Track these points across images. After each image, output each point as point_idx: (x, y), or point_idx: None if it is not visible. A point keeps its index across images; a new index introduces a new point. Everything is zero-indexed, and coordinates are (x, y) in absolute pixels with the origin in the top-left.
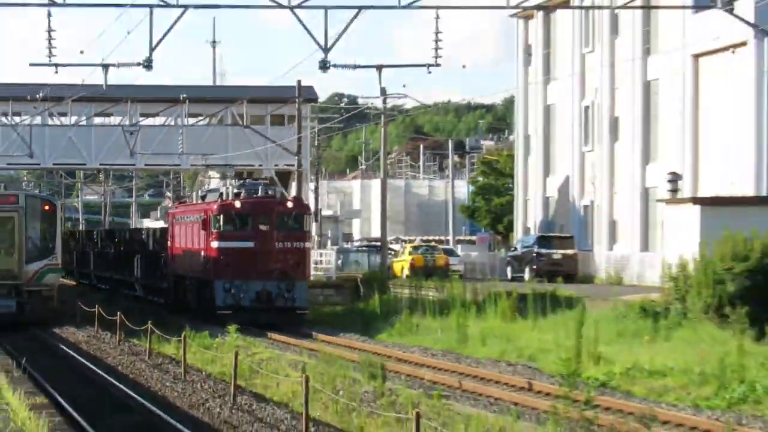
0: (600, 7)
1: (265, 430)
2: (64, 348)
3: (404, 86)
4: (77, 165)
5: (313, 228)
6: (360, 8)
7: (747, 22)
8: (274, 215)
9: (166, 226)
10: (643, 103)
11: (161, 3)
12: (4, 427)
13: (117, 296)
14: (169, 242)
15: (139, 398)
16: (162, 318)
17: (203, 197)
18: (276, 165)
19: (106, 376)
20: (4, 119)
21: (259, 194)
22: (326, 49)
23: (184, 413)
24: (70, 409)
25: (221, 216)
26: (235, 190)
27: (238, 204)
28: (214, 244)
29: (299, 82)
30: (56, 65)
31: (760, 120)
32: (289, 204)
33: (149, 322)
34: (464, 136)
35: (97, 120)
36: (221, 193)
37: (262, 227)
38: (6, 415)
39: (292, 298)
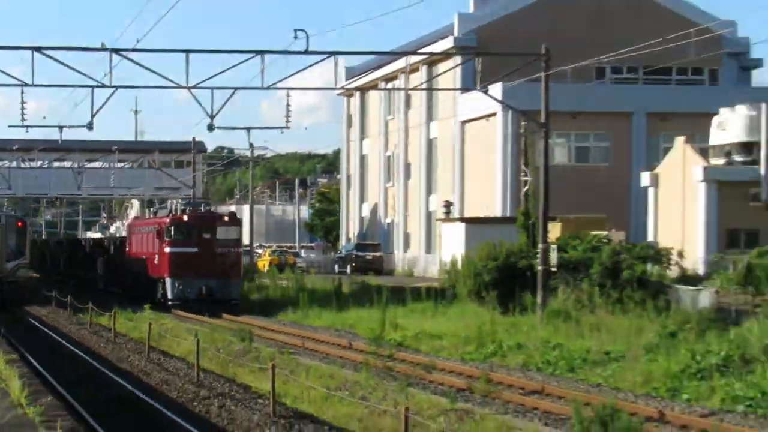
0: (397, 89)
1: (169, 376)
2: (32, 320)
3: (266, 141)
4: (41, 194)
5: None
6: (235, 89)
7: (496, 100)
8: (214, 226)
9: (122, 235)
10: (427, 154)
11: (99, 84)
12: None
13: (82, 289)
14: (127, 248)
15: (83, 355)
16: (104, 302)
17: (155, 213)
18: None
19: (59, 339)
20: None
21: (202, 210)
22: (212, 116)
23: (113, 364)
24: (34, 362)
25: (173, 227)
26: (182, 207)
27: (185, 217)
28: (167, 249)
29: (194, 138)
30: (27, 126)
31: (504, 166)
32: (226, 218)
33: (89, 302)
34: (306, 176)
35: (56, 164)
36: (170, 210)
37: (205, 236)
38: None
39: (229, 292)
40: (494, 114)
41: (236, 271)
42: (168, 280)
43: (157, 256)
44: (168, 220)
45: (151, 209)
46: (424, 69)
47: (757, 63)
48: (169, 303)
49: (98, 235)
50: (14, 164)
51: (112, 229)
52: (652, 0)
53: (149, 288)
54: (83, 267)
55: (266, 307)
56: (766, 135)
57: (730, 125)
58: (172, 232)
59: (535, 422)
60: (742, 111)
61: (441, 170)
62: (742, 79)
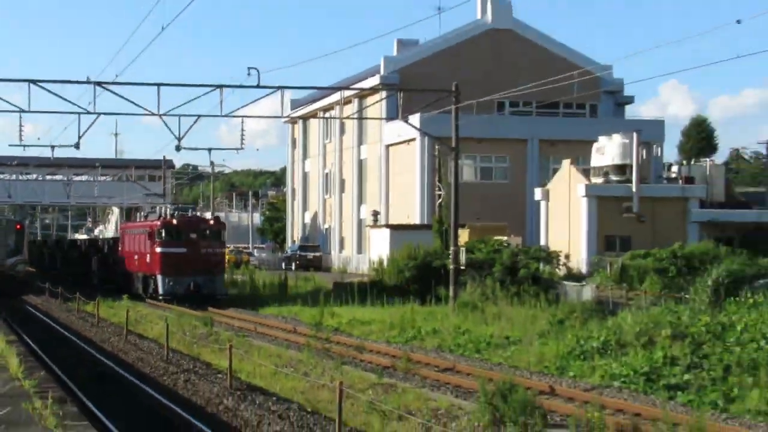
0: (333, 118)
1: (143, 354)
2: (28, 308)
3: (224, 160)
4: (36, 202)
5: None
6: (198, 116)
7: (415, 128)
8: (200, 229)
9: (114, 236)
10: (358, 172)
11: (85, 111)
12: None
13: (78, 284)
14: (120, 248)
15: (71, 336)
16: (96, 295)
17: (146, 217)
18: (151, 204)
19: (51, 323)
20: None
21: (189, 215)
22: (179, 138)
23: (96, 345)
24: (30, 342)
25: (163, 229)
26: (170, 212)
27: (174, 221)
28: (158, 249)
29: (164, 157)
30: (24, 146)
31: (422, 182)
32: (211, 221)
33: (77, 292)
34: (258, 189)
35: (48, 177)
36: (160, 214)
37: (192, 237)
38: None
39: (214, 287)
40: (413, 139)
41: (220, 269)
42: (159, 278)
43: (148, 255)
44: (159, 223)
45: (141, 213)
46: (355, 101)
47: (629, 100)
48: (160, 298)
49: (85, 237)
50: (13, 177)
51: (96, 231)
52: (543, 47)
53: (141, 283)
54: (79, 264)
55: (240, 300)
56: (636, 158)
57: (607, 150)
58: (163, 234)
59: (448, 395)
60: (617, 139)
61: (369, 185)
62: (617, 113)
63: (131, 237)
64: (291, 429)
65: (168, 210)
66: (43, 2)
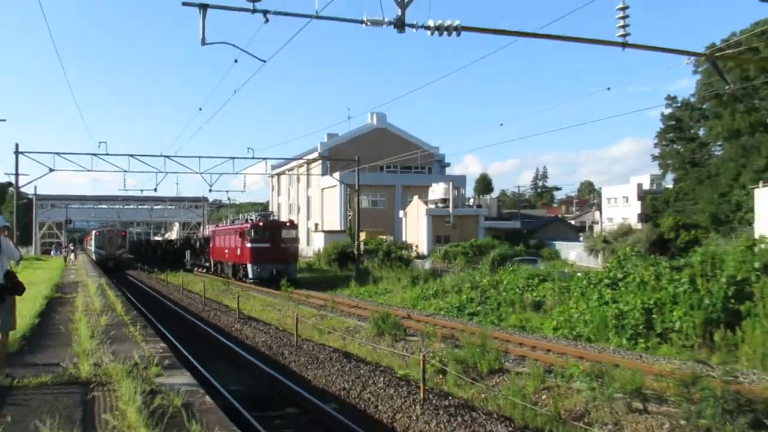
0: (293, 174)
1: (191, 301)
2: (129, 277)
3: (234, 197)
4: (132, 220)
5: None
6: (221, 174)
7: (337, 179)
8: (280, 229)
9: (206, 235)
10: (307, 203)
11: (159, 171)
12: (106, 302)
13: (174, 268)
14: (212, 244)
15: (150, 291)
16: (169, 269)
17: (233, 221)
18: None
19: (143, 286)
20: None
21: (270, 219)
22: (210, 185)
23: (165, 295)
24: (131, 297)
25: (252, 230)
26: (257, 217)
27: (261, 223)
28: (248, 244)
29: (203, 195)
30: (126, 190)
31: (340, 208)
32: (288, 223)
33: (166, 269)
34: (253, 212)
35: (138, 206)
36: (246, 219)
37: (273, 235)
38: (108, 299)
39: (290, 272)
40: (336, 185)
41: (294, 258)
42: (249, 266)
43: (239, 249)
44: (250, 225)
45: (230, 219)
46: (306, 166)
47: (448, 164)
48: (249, 281)
49: (159, 239)
50: (120, 207)
51: (167, 235)
52: (403, 137)
53: (231, 270)
54: (175, 256)
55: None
56: (451, 195)
57: (436, 191)
58: (252, 233)
59: (354, 320)
60: (441, 185)
61: (313, 209)
62: (442, 172)
63: (221, 237)
64: (270, 338)
65: (255, 216)
66: (130, 106)
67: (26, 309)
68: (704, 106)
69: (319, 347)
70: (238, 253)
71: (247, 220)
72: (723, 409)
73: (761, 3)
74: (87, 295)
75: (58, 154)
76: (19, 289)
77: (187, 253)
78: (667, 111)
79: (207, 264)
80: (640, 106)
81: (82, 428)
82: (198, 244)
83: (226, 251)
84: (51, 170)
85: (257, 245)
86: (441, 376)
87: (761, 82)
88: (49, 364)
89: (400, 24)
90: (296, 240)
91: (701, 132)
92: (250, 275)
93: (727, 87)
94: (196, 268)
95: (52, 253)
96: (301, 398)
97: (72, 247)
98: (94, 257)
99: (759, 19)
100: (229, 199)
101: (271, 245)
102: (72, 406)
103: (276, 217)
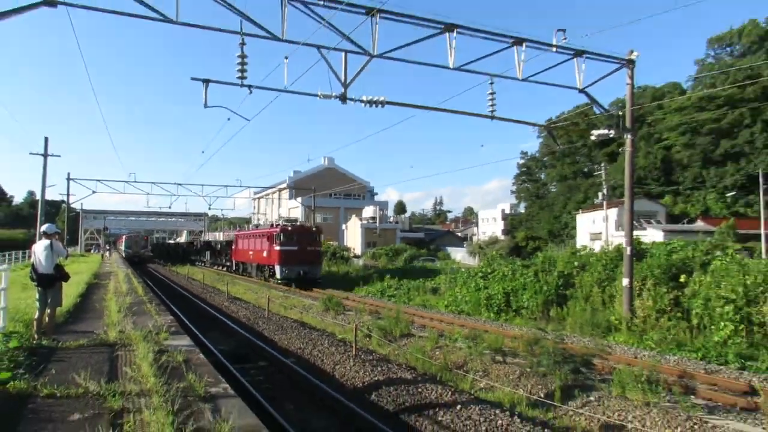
0: (270, 198)
1: (192, 286)
2: (150, 269)
3: (226, 213)
4: (152, 228)
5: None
6: (217, 197)
7: (300, 203)
8: (305, 233)
9: (227, 239)
10: (279, 219)
11: (173, 194)
12: (130, 287)
13: (191, 264)
14: (234, 246)
15: (164, 278)
16: (182, 263)
17: (256, 226)
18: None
19: (164, 278)
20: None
21: (296, 224)
22: (209, 206)
23: (175, 281)
24: (152, 285)
25: (281, 234)
26: (284, 222)
27: (289, 228)
28: (276, 248)
29: (205, 212)
30: (149, 207)
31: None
32: (313, 228)
33: (187, 265)
34: (239, 225)
35: (159, 219)
36: (272, 224)
37: (300, 239)
38: (132, 285)
39: (315, 274)
40: (299, 207)
41: (319, 261)
42: (277, 267)
43: (265, 251)
44: (278, 229)
45: (251, 224)
46: (278, 193)
47: (376, 194)
48: (278, 281)
49: (172, 242)
50: (144, 219)
51: (178, 240)
52: (345, 174)
53: (256, 270)
54: (195, 255)
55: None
56: (378, 215)
57: (368, 211)
58: (281, 237)
59: (309, 300)
60: (371, 207)
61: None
62: (372, 198)
63: (243, 240)
64: (249, 312)
65: (281, 221)
66: (152, 144)
67: (72, 292)
68: (545, 159)
69: (283, 319)
70: (265, 255)
71: (272, 225)
72: (554, 360)
73: (579, 94)
74: (117, 281)
75: (99, 180)
76: (65, 277)
77: (207, 254)
78: (521, 161)
79: (228, 264)
80: (504, 158)
81: (108, 377)
82: (219, 246)
83: (251, 253)
84: (93, 192)
85: (285, 248)
86: (368, 339)
87: (580, 145)
88: (86, 331)
89: (343, 98)
90: (320, 244)
91: (542, 176)
92: (278, 276)
93: (558, 147)
94: (216, 267)
95: (92, 251)
96: (270, 355)
97: (107, 247)
98: (123, 255)
99: (578, 104)
100: (222, 215)
101: (298, 248)
102: (102, 362)
103: (302, 223)
